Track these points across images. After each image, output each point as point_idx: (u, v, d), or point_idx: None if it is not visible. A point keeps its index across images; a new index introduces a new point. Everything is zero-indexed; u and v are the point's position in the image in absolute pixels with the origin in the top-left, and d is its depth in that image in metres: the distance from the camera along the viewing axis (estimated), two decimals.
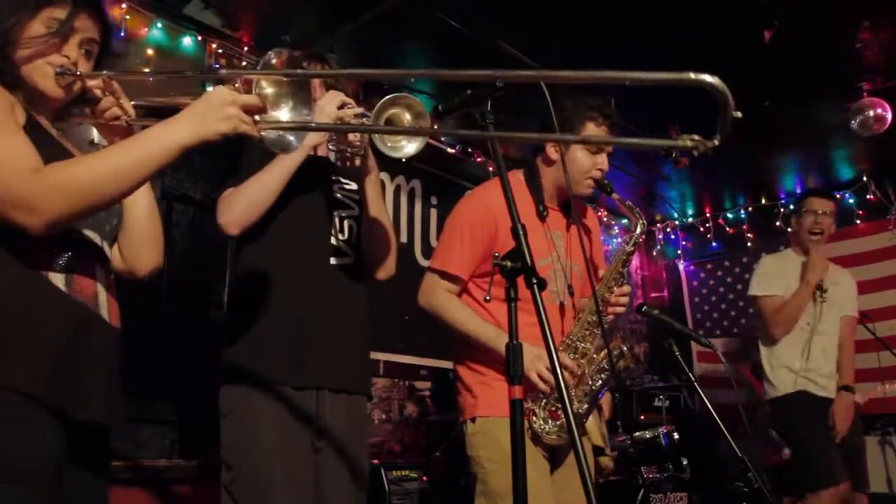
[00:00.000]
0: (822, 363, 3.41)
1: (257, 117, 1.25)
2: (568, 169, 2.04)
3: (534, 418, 2.00)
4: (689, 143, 0.95)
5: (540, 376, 1.95)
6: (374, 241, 1.96)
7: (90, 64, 1.40)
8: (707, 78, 0.87)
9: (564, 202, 2.24)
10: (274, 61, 1.33)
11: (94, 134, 1.58)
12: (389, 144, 1.56)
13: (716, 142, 0.93)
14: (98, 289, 1.34)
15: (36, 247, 1.23)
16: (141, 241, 1.48)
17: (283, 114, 1.35)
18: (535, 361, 1.93)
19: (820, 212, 3.50)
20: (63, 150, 1.34)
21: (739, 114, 0.90)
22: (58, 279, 1.26)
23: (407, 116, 1.59)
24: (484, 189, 2.24)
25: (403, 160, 1.62)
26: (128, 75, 1.44)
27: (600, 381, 2.07)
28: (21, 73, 1.30)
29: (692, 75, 0.87)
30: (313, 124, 1.54)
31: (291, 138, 1.36)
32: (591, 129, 2.11)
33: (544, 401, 2.02)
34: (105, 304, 1.35)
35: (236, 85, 1.30)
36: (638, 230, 2.17)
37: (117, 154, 1.20)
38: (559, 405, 2.00)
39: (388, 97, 1.55)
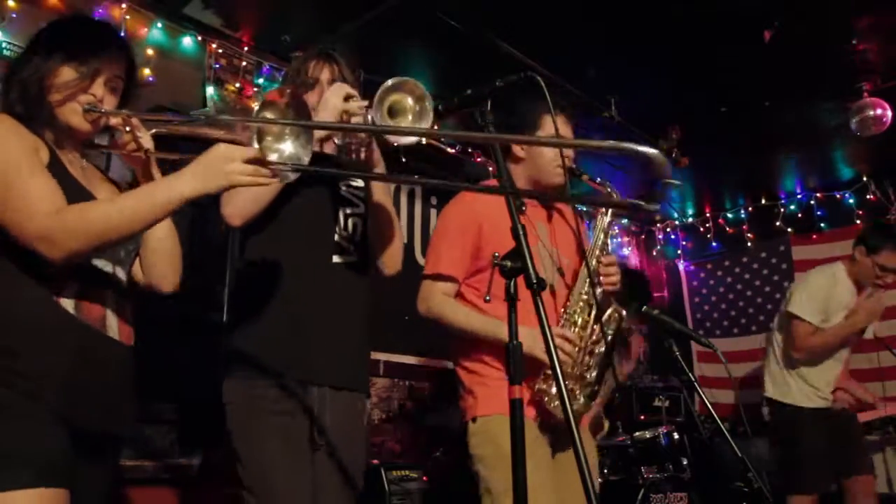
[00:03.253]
0: (834, 379, 3.53)
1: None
2: (536, 163, 2.23)
3: (546, 398, 2.03)
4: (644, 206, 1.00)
5: (545, 352, 1.96)
6: (381, 231, 1.95)
7: (116, 98, 1.55)
8: (646, 150, 0.90)
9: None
10: (277, 99, 1.36)
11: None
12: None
13: (656, 207, 0.98)
14: (107, 312, 1.48)
15: (49, 276, 1.39)
16: (158, 262, 1.63)
17: (287, 145, 1.40)
18: (537, 339, 1.91)
19: (893, 269, 3.34)
20: (81, 189, 1.48)
21: (678, 182, 0.93)
22: (68, 304, 1.41)
23: (409, 101, 1.59)
24: (464, 193, 2.33)
25: (403, 160, 1.62)
26: (144, 115, 1.55)
27: (604, 347, 2.11)
28: (53, 112, 1.46)
29: (636, 147, 0.90)
30: (307, 161, 1.48)
31: (291, 175, 1.42)
32: (549, 122, 2.20)
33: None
34: (114, 326, 1.49)
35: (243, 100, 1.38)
36: (613, 194, 2.26)
37: (128, 203, 1.36)
38: (570, 382, 2.06)
39: (389, 82, 1.54)
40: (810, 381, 3.50)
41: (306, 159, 1.42)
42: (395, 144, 1.62)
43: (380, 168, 1.89)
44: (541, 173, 2.24)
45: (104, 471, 1.50)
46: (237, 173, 1.32)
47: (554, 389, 2.03)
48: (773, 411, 3.60)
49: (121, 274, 1.54)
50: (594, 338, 2.12)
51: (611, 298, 2.19)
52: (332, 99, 1.75)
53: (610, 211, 2.27)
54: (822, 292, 3.47)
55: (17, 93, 1.45)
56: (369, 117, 1.70)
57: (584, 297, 2.14)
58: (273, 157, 1.37)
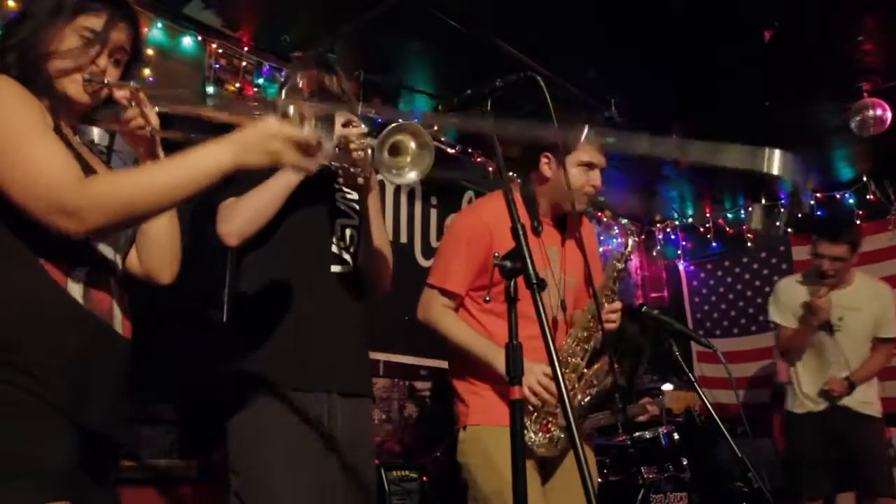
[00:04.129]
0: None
1: None
2: (562, 186, 2.13)
3: (525, 431, 2.02)
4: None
5: (531, 389, 1.99)
6: (372, 259, 1.96)
7: (118, 71, 1.41)
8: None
9: (558, 217, 2.29)
10: (301, 83, 1.34)
11: (94, 134, 1.59)
12: (394, 171, 1.59)
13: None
14: (112, 303, 1.36)
15: (57, 259, 1.26)
16: (158, 249, 1.51)
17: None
18: (527, 375, 1.93)
19: (830, 256, 3.42)
20: (84, 162, 1.35)
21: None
22: (76, 292, 1.29)
23: (412, 144, 1.59)
24: (479, 203, 2.33)
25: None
26: (155, 90, 1.47)
27: (589, 397, 2.12)
28: (53, 81, 1.32)
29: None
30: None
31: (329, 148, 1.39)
32: (584, 147, 2.17)
33: (535, 414, 2.05)
34: (119, 317, 1.37)
35: (290, 109, 1.29)
36: (629, 247, 2.24)
37: (163, 172, 1.24)
38: (550, 418, 2.05)
39: (394, 125, 1.55)
40: (803, 384, 3.61)
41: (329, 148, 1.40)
42: (389, 181, 1.62)
43: (374, 193, 1.90)
44: (564, 198, 2.18)
45: (109, 491, 1.39)
46: (284, 154, 1.22)
47: (531, 424, 2.04)
48: (784, 418, 3.76)
49: (119, 263, 1.43)
50: (582, 384, 2.12)
51: (606, 352, 2.16)
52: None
53: (624, 255, 2.23)
54: (784, 295, 3.71)
55: (14, 56, 1.31)
56: (368, 150, 1.71)
57: (581, 341, 2.13)
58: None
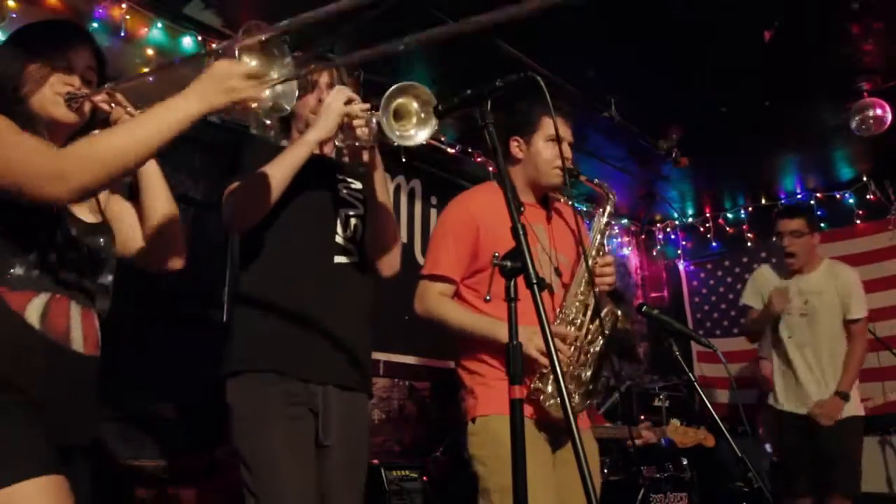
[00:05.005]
0: (808, 378, 3.54)
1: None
2: (534, 163, 2.24)
3: (542, 397, 2.04)
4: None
5: (540, 351, 1.97)
6: (380, 231, 1.96)
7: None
8: None
9: (541, 197, 2.33)
10: (248, 41, 1.40)
11: None
12: (399, 133, 1.61)
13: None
14: (71, 324, 1.46)
15: (18, 289, 1.38)
16: (163, 238, 1.63)
17: (274, 75, 1.44)
18: (532, 338, 1.94)
19: (787, 231, 3.58)
20: None
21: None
22: (32, 316, 1.39)
23: (414, 105, 1.62)
24: (464, 194, 2.35)
25: (404, 160, 1.64)
26: (126, 81, 1.57)
27: (599, 346, 2.13)
28: (34, 109, 1.45)
29: None
30: (292, 102, 1.59)
31: (285, 102, 1.49)
32: (548, 123, 2.22)
33: (551, 376, 2.05)
34: (79, 337, 1.47)
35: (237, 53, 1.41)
36: (609, 202, 2.29)
37: (136, 126, 1.33)
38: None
39: (394, 87, 1.56)
40: (776, 374, 3.72)
41: (289, 105, 1.53)
42: (397, 144, 1.63)
43: (380, 170, 1.89)
44: (539, 174, 2.25)
45: (80, 478, 1.47)
46: (240, 88, 1.33)
47: (550, 388, 2.04)
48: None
49: (90, 284, 1.52)
50: (589, 337, 2.14)
51: (606, 298, 2.20)
52: (334, 103, 1.77)
53: (607, 211, 2.28)
54: (760, 280, 3.84)
55: None
56: (373, 120, 1.72)
57: (581, 296, 2.15)
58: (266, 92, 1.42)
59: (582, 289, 2.15)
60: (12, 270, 1.37)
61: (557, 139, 2.06)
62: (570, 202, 2.46)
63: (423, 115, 1.62)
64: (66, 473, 1.36)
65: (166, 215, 1.64)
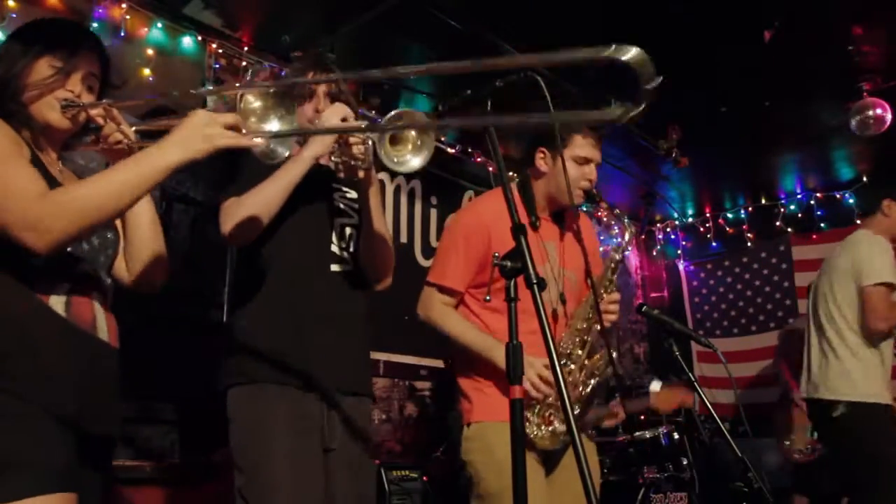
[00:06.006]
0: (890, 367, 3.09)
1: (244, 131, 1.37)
2: (558, 179, 2.15)
3: (527, 425, 2.02)
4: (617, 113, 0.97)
5: (532, 384, 1.99)
6: (374, 253, 1.96)
7: (93, 97, 1.53)
8: (628, 54, 0.84)
9: (555, 212, 2.29)
10: (258, 78, 1.39)
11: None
12: (396, 160, 1.60)
13: (640, 109, 0.93)
14: (96, 313, 1.47)
15: (38, 277, 1.37)
16: (143, 260, 1.61)
17: (272, 125, 1.45)
18: (527, 369, 1.95)
19: None
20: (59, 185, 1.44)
21: (659, 78, 0.87)
22: (58, 305, 1.39)
23: (412, 133, 1.61)
24: (477, 200, 2.33)
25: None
26: (125, 103, 1.56)
27: (591, 387, 2.11)
28: (30, 111, 1.44)
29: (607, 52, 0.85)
30: (287, 153, 1.58)
31: (281, 149, 1.48)
32: (579, 142, 2.18)
33: (537, 407, 2.05)
34: (104, 327, 1.48)
35: (225, 98, 1.40)
36: (626, 238, 2.25)
37: (115, 176, 1.32)
38: (551, 411, 2.05)
39: (392, 113, 1.56)
40: (872, 365, 3.06)
41: (285, 152, 1.52)
42: (398, 170, 1.63)
43: (375, 187, 1.90)
44: (559, 192, 2.18)
45: (103, 475, 1.50)
46: (218, 136, 1.32)
47: (536, 419, 2.04)
48: (845, 413, 3.03)
49: (104, 277, 1.53)
50: (581, 377, 2.12)
51: (607, 337, 2.15)
52: (331, 119, 1.78)
53: (623, 247, 2.24)
54: (883, 251, 3.07)
55: None
56: (369, 143, 1.73)
57: (581, 332, 2.13)
58: (258, 139, 1.41)
59: (584, 326, 2.13)
60: (32, 262, 1.35)
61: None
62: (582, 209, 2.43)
63: (419, 142, 1.62)
64: (82, 483, 1.37)
65: (150, 239, 1.62)
